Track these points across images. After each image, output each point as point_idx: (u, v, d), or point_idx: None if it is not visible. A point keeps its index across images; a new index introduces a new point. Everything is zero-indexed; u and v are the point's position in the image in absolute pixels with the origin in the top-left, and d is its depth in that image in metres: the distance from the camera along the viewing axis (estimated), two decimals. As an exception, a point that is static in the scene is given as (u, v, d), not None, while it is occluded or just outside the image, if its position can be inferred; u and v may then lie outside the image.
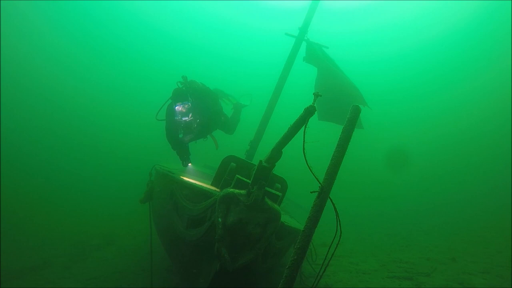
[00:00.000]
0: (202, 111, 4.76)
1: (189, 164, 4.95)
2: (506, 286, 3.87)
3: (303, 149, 1.70)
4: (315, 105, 1.83)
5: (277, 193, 2.11)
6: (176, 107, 4.60)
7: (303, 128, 1.80)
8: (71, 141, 18.44)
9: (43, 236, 6.35)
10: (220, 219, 1.95)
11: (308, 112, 1.81)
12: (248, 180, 2.05)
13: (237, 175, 2.12)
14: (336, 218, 1.69)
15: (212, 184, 2.46)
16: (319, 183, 1.62)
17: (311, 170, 1.66)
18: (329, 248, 1.72)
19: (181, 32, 26.09)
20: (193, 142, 4.97)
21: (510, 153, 14.71)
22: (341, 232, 1.70)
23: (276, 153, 1.97)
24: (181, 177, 3.07)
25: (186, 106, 4.63)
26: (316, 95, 1.79)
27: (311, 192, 1.63)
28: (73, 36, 23.42)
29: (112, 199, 10.93)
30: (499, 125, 17.76)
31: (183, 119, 4.67)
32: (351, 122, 1.67)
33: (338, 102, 5.00)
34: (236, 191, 1.98)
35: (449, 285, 3.94)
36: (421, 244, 6.62)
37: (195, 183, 2.65)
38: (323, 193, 1.59)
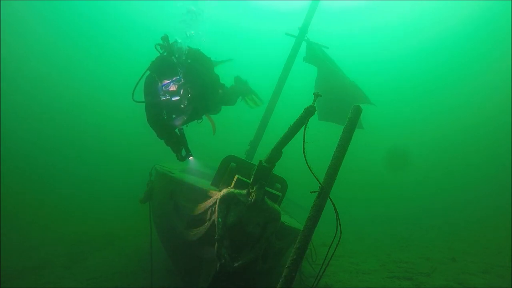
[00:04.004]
0: (194, 83, 3.64)
1: (190, 157, 3.82)
2: (506, 286, 3.87)
3: (303, 149, 1.71)
4: (315, 105, 1.83)
5: (277, 193, 2.11)
6: (163, 86, 3.52)
7: (303, 128, 1.81)
8: (71, 141, 18.44)
9: (43, 236, 6.35)
10: (220, 219, 1.95)
11: (308, 112, 1.82)
12: (248, 180, 2.05)
13: (237, 175, 2.12)
14: (336, 218, 1.69)
15: (212, 184, 2.46)
16: (319, 183, 1.62)
17: (311, 170, 1.66)
18: (329, 248, 1.72)
19: (179, 32, 26.03)
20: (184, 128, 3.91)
21: (510, 153, 14.70)
22: (341, 232, 1.71)
23: (276, 153, 1.97)
24: (181, 177, 3.06)
25: (177, 83, 3.55)
26: (316, 95, 1.79)
27: (311, 192, 1.64)
28: (70, 37, 23.39)
29: (112, 199, 10.92)
30: (499, 125, 17.75)
31: (173, 99, 3.61)
32: (352, 122, 1.68)
33: (338, 102, 5.01)
34: (236, 191, 1.98)
35: (449, 285, 3.94)
36: (421, 244, 6.62)
37: (195, 183, 2.65)
38: (323, 193, 1.59)
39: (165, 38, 3.65)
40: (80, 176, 13.61)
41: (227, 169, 2.36)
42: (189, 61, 3.64)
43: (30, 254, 5.30)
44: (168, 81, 3.51)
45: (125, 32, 24.49)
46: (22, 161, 13.33)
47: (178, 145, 3.77)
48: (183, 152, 3.84)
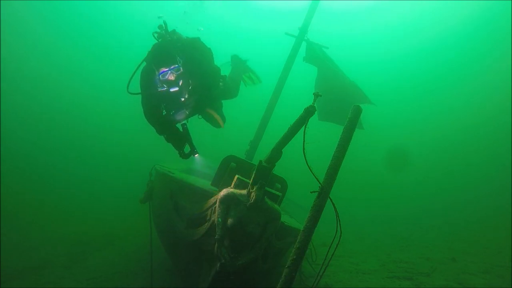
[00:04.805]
0: (195, 73, 3.35)
1: (196, 155, 3.48)
2: (506, 286, 3.87)
3: (303, 149, 1.71)
4: (315, 105, 1.83)
5: (277, 193, 2.11)
6: (160, 75, 3.24)
7: (303, 128, 1.81)
8: (71, 141, 18.44)
9: (43, 236, 6.35)
10: (220, 219, 1.95)
11: (308, 112, 1.82)
12: (248, 180, 2.05)
13: (237, 175, 2.12)
14: (336, 218, 1.69)
15: (212, 184, 2.46)
16: (319, 183, 1.62)
17: (311, 170, 1.66)
18: (329, 248, 1.72)
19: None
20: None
21: (510, 153, 14.70)
22: (341, 232, 1.71)
23: (276, 153, 1.97)
24: (181, 177, 3.06)
25: (175, 72, 3.26)
26: (316, 95, 1.79)
27: (311, 192, 1.63)
28: (70, 37, 23.39)
29: (112, 199, 10.92)
30: (499, 125, 17.75)
31: (172, 90, 3.32)
32: (352, 122, 1.67)
33: (338, 102, 5.01)
34: (236, 191, 1.98)
35: (449, 285, 3.94)
36: (421, 244, 6.62)
37: (195, 183, 2.65)
38: (323, 193, 1.59)
39: (162, 26, 3.40)
40: (80, 176, 13.61)
41: (227, 169, 2.36)
42: (189, 49, 3.37)
43: (30, 254, 5.30)
44: (165, 69, 3.23)
45: (125, 32, 24.47)
46: (22, 161, 13.32)
47: (180, 141, 3.45)
48: (187, 149, 3.54)
